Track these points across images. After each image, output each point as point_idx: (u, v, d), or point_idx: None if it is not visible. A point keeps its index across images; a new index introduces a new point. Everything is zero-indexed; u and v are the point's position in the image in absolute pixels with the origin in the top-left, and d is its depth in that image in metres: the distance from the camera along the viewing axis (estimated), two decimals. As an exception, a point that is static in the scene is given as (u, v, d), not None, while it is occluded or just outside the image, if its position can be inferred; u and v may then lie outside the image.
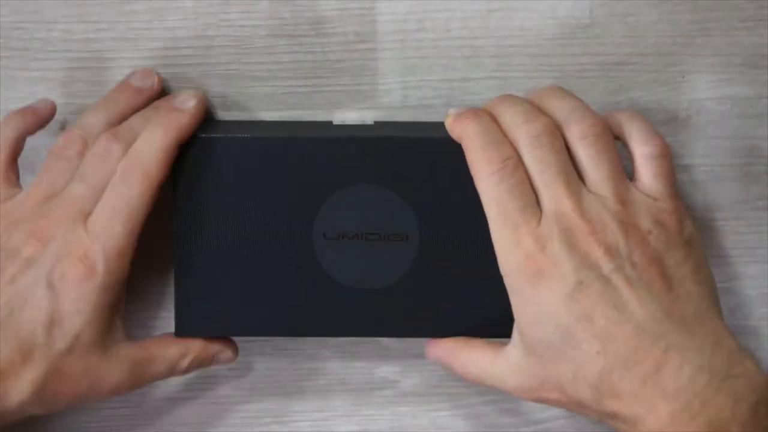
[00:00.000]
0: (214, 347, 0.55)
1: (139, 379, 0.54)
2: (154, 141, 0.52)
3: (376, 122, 0.57)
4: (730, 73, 0.57)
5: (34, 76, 0.58)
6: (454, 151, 0.52)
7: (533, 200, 0.49)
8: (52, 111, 0.57)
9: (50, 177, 0.53)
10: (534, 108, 0.52)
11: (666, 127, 0.58)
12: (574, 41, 0.57)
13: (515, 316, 0.49)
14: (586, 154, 0.50)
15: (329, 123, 0.57)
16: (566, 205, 0.48)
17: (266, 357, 0.60)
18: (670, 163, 0.51)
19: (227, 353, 0.56)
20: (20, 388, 0.50)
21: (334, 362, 0.60)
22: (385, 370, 0.60)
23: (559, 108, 0.52)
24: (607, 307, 0.47)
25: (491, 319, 0.53)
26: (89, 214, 0.52)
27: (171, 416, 0.60)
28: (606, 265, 0.47)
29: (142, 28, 0.57)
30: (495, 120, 0.52)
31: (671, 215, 0.50)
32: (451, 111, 0.53)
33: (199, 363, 0.55)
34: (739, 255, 0.59)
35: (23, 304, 0.50)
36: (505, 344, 0.51)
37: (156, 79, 0.56)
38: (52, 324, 0.50)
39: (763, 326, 0.60)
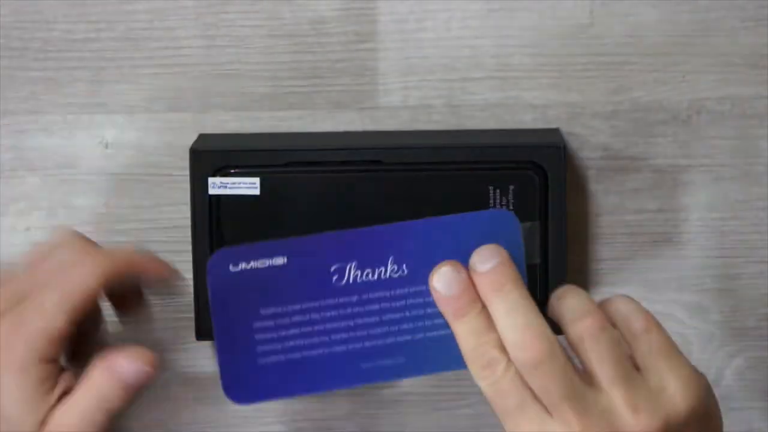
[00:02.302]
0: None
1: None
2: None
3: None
4: (730, 73, 0.57)
5: (34, 76, 0.58)
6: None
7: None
8: None
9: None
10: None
11: (666, 127, 0.58)
12: (575, 41, 0.57)
13: None
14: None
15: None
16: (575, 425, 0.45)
17: (266, 357, 0.60)
18: (666, 335, 0.48)
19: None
20: None
21: (334, 362, 0.60)
22: (385, 370, 0.60)
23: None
24: None
25: None
26: None
27: (171, 416, 0.60)
28: None
29: (142, 28, 0.57)
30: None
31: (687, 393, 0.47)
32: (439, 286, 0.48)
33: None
34: (739, 255, 0.59)
35: None
36: None
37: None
38: None
39: (763, 326, 0.60)
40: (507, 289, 0.46)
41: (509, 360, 0.46)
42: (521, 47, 0.57)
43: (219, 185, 0.53)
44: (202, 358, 0.60)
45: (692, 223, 0.58)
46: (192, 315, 0.55)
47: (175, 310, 0.59)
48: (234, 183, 0.53)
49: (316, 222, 0.54)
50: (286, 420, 0.60)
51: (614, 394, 0.46)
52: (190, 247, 0.55)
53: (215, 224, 0.54)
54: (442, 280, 0.47)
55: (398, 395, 0.60)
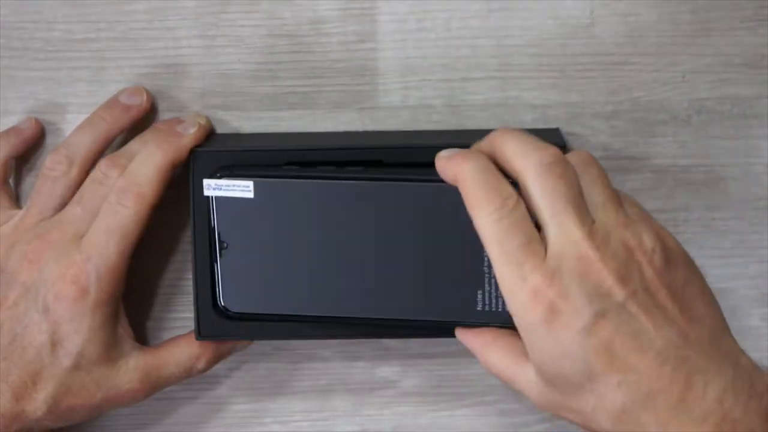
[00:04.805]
0: (227, 342, 0.57)
1: (154, 386, 0.55)
2: (150, 162, 0.54)
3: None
4: (730, 73, 0.57)
5: (34, 76, 0.58)
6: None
7: (537, 236, 0.46)
8: (36, 130, 0.57)
9: (40, 199, 0.55)
10: (539, 138, 0.49)
11: (666, 127, 0.58)
12: (575, 41, 0.57)
13: (529, 352, 0.47)
14: (582, 182, 0.48)
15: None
16: (576, 234, 0.46)
17: (266, 357, 0.60)
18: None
19: (243, 341, 0.58)
20: (35, 408, 0.52)
21: (334, 362, 0.60)
22: (385, 370, 0.60)
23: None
24: (625, 337, 0.45)
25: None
26: (83, 235, 0.53)
27: (171, 416, 0.60)
28: (619, 294, 0.45)
29: (142, 28, 0.57)
30: (490, 159, 0.49)
31: (665, 230, 0.48)
32: (443, 153, 0.50)
33: (216, 360, 0.57)
34: (739, 255, 0.59)
35: (24, 329, 0.52)
36: (527, 361, 0.49)
37: (145, 97, 0.57)
38: (54, 344, 0.52)
39: (763, 326, 0.59)
40: (503, 129, 0.50)
41: (519, 196, 0.47)
42: (521, 47, 0.57)
43: (214, 187, 0.53)
44: (202, 358, 0.60)
45: (692, 223, 0.58)
46: (191, 315, 0.55)
47: (175, 309, 0.59)
48: (228, 186, 0.53)
49: (316, 221, 0.54)
50: (285, 420, 0.60)
51: (607, 210, 0.47)
52: (190, 247, 0.55)
53: (215, 223, 0.54)
54: (440, 153, 0.50)
55: (398, 395, 0.60)
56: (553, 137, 0.56)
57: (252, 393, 0.60)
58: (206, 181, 0.53)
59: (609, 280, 0.45)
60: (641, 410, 0.45)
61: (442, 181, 0.49)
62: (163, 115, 0.58)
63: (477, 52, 0.57)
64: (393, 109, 0.58)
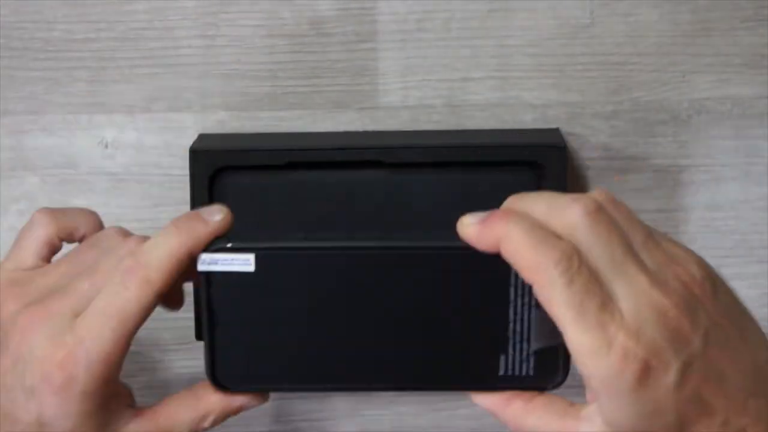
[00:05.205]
0: (237, 400, 0.50)
1: None
2: (164, 245, 0.47)
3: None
4: (730, 73, 0.57)
5: (34, 76, 0.58)
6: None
7: (606, 292, 0.43)
8: (98, 227, 0.52)
9: (71, 259, 0.49)
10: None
11: (666, 127, 0.58)
12: (575, 41, 0.57)
13: (606, 413, 0.44)
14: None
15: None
16: (641, 282, 0.43)
17: (266, 357, 0.60)
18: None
19: (253, 402, 0.51)
20: None
21: (334, 362, 0.60)
22: (385, 370, 0.60)
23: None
24: (711, 383, 0.43)
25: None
26: (82, 311, 0.47)
27: (171, 416, 0.60)
28: (696, 338, 0.43)
29: (142, 28, 0.57)
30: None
31: (692, 250, 0.46)
32: (468, 219, 0.45)
33: (224, 418, 0.51)
34: (739, 255, 0.59)
35: (12, 404, 0.47)
36: (578, 418, 0.45)
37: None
38: (41, 425, 0.47)
39: (763, 326, 0.59)
40: (522, 194, 0.45)
41: (580, 252, 0.43)
42: (521, 47, 0.57)
43: (209, 262, 0.47)
44: (202, 358, 0.60)
45: (692, 223, 0.58)
46: (192, 315, 0.55)
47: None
48: (226, 260, 0.47)
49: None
50: (285, 420, 0.60)
51: (652, 250, 0.44)
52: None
53: (209, 299, 0.48)
54: (466, 219, 0.45)
55: (398, 395, 0.60)
56: (553, 137, 0.56)
57: (252, 393, 0.60)
58: (202, 256, 0.47)
59: (685, 324, 0.43)
60: None
61: (458, 245, 0.45)
62: (165, 114, 0.58)
63: (477, 52, 0.57)
64: (393, 109, 0.58)
